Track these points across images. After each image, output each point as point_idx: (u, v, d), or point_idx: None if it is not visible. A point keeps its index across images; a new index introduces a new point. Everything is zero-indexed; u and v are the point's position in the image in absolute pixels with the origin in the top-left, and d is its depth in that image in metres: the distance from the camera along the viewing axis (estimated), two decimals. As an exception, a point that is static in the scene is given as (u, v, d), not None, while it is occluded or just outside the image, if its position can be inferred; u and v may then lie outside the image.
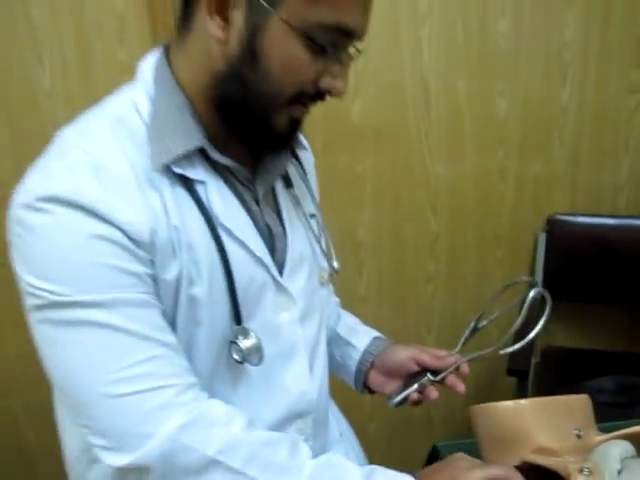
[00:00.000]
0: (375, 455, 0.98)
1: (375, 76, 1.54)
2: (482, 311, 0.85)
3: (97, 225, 0.59)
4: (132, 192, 0.62)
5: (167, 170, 0.65)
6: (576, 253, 1.70)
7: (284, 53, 0.62)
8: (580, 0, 1.52)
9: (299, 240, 0.79)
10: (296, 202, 0.81)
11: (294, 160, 0.83)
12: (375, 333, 0.97)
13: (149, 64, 0.69)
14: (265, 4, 0.60)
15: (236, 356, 0.69)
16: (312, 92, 0.66)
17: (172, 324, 0.66)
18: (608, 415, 0.81)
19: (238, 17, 0.61)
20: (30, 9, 1.40)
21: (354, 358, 0.94)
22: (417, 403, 0.85)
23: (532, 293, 0.77)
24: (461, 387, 0.83)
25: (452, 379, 0.84)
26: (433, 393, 0.84)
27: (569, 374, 1.63)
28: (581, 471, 0.62)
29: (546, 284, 1.68)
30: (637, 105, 1.61)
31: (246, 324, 0.70)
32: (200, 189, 0.67)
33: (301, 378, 0.78)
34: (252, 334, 0.69)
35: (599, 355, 1.72)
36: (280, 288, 0.74)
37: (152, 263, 0.63)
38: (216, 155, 0.68)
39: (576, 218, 1.69)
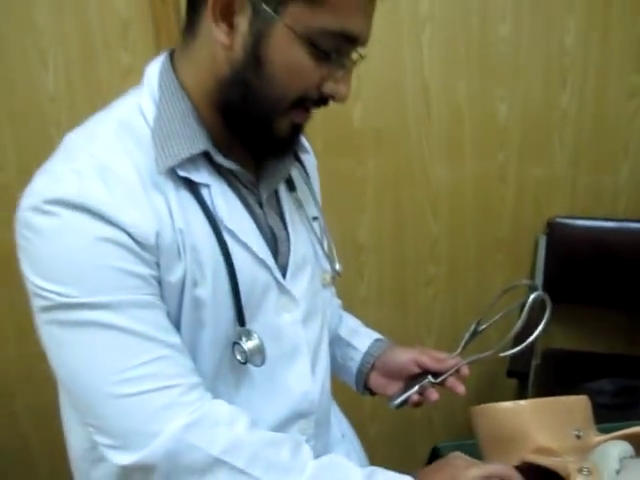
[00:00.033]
0: (376, 456, 0.99)
1: (376, 79, 1.55)
2: (482, 314, 0.86)
3: (103, 228, 0.60)
4: (137, 195, 0.63)
5: (172, 173, 0.66)
6: (576, 256, 1.70)
7: (288, 59, 0.63)
8: (580, 5, 1.53)
9: (302, 243, 0.80)
10: (299, 205, 0.82)
11: (297, 164, 0.83)
12: (376, 335, 0.97)
13: (154, 69, 0.70)
14: (270, 11, 0.61)
15: (239, 357, 0.70)
16: (315, 97, 0.67)
17: (176, 325, 0.67)
18: (607, 417, 0.81)
19: (243, 23, 0.62)
20: (34, 14, 1.41)
21: (355, 359, 0.94)
22: (417, 405, 0.86)
23: (532, 297, 0.78)
24: (461, 389, 0.84)
25: (452, 381, 0.84)
26: (433, 395, 0.84)
27: (569, 376, 1.63)
28: (580, 471, 0.63)
29: (546, 286, 1.69)
30: (636, 109, 1.61)
31: (249, 325, 0.70)
32: (204, 192, 0.68)
33: (303, 379, 0.79)
34: (255, 335, 0.70)
35: (598, 357, 1.72)
36: (283, 290, 0.75)
37: (157, 265, 0.64)
38: (220, 159, 0.69)
39: (576, 221, 1.70)
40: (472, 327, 0.86)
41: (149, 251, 0.63)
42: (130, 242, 0.61)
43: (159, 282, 0.65)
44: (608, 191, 1.70)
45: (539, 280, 1.70)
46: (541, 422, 0.71)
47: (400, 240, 1.73)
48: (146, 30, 1.45)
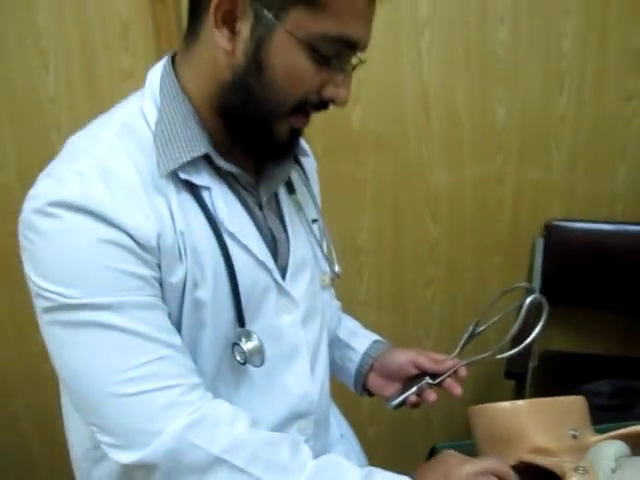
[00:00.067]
0: (375, 457, 0.99)
1: (375, 82, 1.56)
2: (480, 316, 0.86)
3: (105, 230, 0.61)
4: (139, 197, 0.63)
5: (173, 176, 0.66)
6: (573, 258, 1.71)
7: (289, 64, 0.63)
8: (578, 9, 1.54)
9: (301, 245, 0.81)
10: (298, 207, 0.83)
11: (297, 166, 0.84)
12: (375, 336, 0.98)
13: (156, 73, 0.71)
14: (271, 17, 0.61)
15: (238, 358, 0.71)
16: (316, 101, 0.68)
17: (177, 326, 0.67)
18: (604, 418, 0.82)
19: (245, 29, 0.63)
20: (36, 16, 1.42)
21: (354, 361, 0.95)
22: (415, 405, 0.86)
23: (529, 299, 0.78)
24: (457, 389, 0.84)
25: (449, 382, 0.85)
26: (431, 396, 0.85)
27: (566, 377, 1.64)
28: (576, 470, 0.64)
29: (544, 289, 1.69)
30: (634, 112, 1.62)
31: (249, 326, 0.71)
32: (205, 195, 0.69)
33: (303, 379, 0.79)
34: (254, 336, 0.70)
35: (596, 359, 1.73)
36: (282, 291, 0.76)
37: (158, 267, 0.65)
38: (221, 162, 0.70)
39: (573, 224, 1.71)
40: (470, 329, 0.87)
41: (150, 253, 0.63)
42: (132, 244, 0.62)
43: (160, 283, 0.65)
44: (605, 194, 1.70)
45: (537, 282, 1.71)
46: (538, 422, 0.72)
47: (399, 242, 1.73)
48: (146, 32, 1.45)
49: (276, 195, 0.80)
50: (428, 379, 0.85)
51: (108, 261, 0.61)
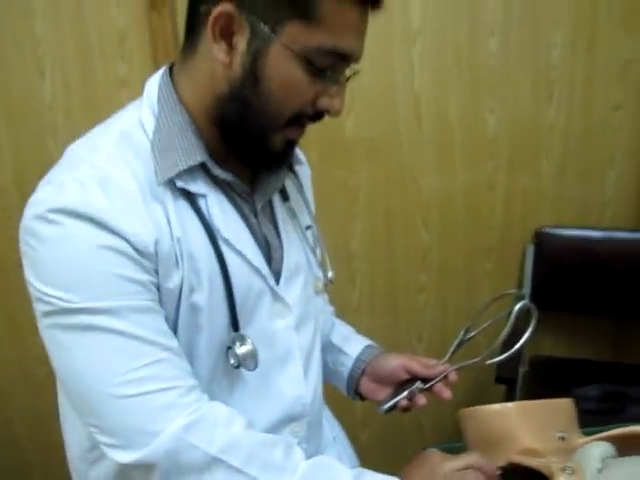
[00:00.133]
0: (367, 459, 1.00)
1: (369, 91, 1.57)
2: (471, 322, 0.88)
3: (105, 236, 0.62)
4: (137, 205, 0.65)
5: (170, 184, 0.68)
6: (563, 265, 1.72)
7: (285, 76, 0.65)
8: (567, 21, 1.56)
9: (295, 251, 0.82)
10: (292, 215, 0.84)
11: (291, 174, 0.86)
12: (367, 341, 0.99)
13: (154, 83, 0.73)
14: (268, 31, 0.63)
15: (232, 361, 0.72)
16: (311, 113, 0.69)
17: (174, 330, 0.69)
18: (593, 421, 0.83)
19: (242, 43, 0.64)
20: (33, 24, 1.43)
21: (346, 365, 0.96)
22: (406, 410, 0.88)
23: (518, 306, 0.80)
24: (447, 394, 0.85)
25: (440, 387, 0.86)
26: (421, 400, 0.86)
27: (556, 382, 1.65)
28: (564, 470, 0.65)
29: (534, 295, 1.70)
30: (621, 121, 1.65)
31: (243, 331, 0.72)
32: (201, 202, 0.70)
33: (296, 383, 0.81)
34: (248, 340, 0.72)
35: (585, 364, 1.74)
36: (276, 296, 0.77)
37: (156, 272, 0.66)
38: (217, 170, 0.71)
39: (563, 231, 1.72)
40: (461, 334, 0.88)
41: (148, 259, 0.65)
42: (130, 250, 0.63)
43: (158, 288, 0.67)
44: (595, 201, 1.72)
45: (527, 288, 1.72)
46: (527, 424, 0.73)
47: (391, 248, 1.75)
48: (142, 41, 1.46)
49: (270, 203, 0.81)
50: (419, 384, 0.87)
51: (107, 266, 0.62)
